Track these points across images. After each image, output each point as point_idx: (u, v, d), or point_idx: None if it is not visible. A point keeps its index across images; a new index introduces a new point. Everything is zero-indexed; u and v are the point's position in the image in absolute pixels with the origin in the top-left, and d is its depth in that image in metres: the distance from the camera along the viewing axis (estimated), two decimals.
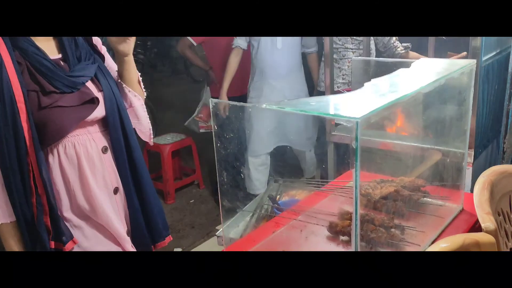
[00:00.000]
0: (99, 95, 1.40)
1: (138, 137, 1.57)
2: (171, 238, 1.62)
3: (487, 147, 2.40)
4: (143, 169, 1.51)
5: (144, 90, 1.60)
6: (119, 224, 1.46)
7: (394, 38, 3.01)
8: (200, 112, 3.85)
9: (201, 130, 3.87)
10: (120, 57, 1.45)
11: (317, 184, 1.94)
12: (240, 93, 3.38)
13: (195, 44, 3.68)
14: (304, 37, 3.20)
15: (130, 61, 1.48)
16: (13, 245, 1.36)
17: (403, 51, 2.96)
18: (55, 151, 1.36)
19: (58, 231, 1.36)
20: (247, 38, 3.16)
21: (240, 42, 3.16)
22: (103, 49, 1.53)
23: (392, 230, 1.37)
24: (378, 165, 1.57)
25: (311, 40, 3.25)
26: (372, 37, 3.11)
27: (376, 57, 3.08)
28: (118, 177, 1.46)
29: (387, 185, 1.50)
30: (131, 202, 1.48)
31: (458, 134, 1.61)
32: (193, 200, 3.95)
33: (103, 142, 1.43)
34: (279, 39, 3.07)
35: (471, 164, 2.07)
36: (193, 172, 4.18)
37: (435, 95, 1.37)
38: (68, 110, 1.33)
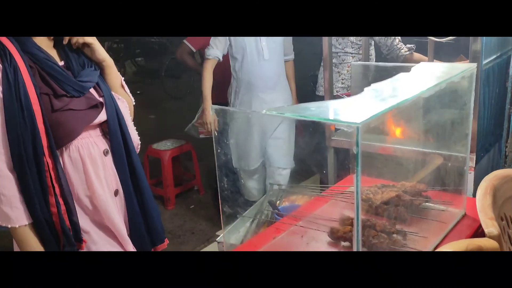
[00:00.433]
0: (100, 100, 1.45)
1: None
2: (167, 241, 1.64)
3: (489, 151, 2.39)
4: (141, 172, 1.54)
5: (130, 95, 1.60)
6: (120, 225, 1.48)
7: (397, 39, 2.99)
8: (200, 118, 3.84)
9: (201, 136, 3.85)
10: (98, 63, 1.49)
11: (317, 189, 1.93)
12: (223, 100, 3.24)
13: (194, 50, 3.67)
14: (284, 45, 3.04)
15: (109, 65, 1.51)
16: (35, 246, 1.35)
17: (407, 53, 2.95)
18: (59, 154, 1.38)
19: (77, 230, 1.38)
20: (225, 48, 2.96)
21: (218, 53, 2.93)
22: None
23: (394, 235, 1.36)
24: (379, 170, 1.56)
25: (289, 48, 3.09)
26: (372, 43, 3.10)
27: (376, 61, 3.07)
28: (118, 179, 1.48)
29: (388, 190, 1.49)
30: (131, 204, 1.51)
31: (460, 138, 1.60)
32: (193, 206, 3.93)
33: (104, 145, 1.46)
34: (265, 50, 2.89)
35: (473, 169, 2.05)
36: (193, 178, 4.17)
37: (436, 99, 1.36)
38: (78, 113, 1.38)
